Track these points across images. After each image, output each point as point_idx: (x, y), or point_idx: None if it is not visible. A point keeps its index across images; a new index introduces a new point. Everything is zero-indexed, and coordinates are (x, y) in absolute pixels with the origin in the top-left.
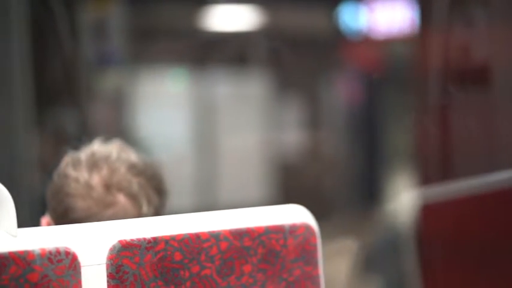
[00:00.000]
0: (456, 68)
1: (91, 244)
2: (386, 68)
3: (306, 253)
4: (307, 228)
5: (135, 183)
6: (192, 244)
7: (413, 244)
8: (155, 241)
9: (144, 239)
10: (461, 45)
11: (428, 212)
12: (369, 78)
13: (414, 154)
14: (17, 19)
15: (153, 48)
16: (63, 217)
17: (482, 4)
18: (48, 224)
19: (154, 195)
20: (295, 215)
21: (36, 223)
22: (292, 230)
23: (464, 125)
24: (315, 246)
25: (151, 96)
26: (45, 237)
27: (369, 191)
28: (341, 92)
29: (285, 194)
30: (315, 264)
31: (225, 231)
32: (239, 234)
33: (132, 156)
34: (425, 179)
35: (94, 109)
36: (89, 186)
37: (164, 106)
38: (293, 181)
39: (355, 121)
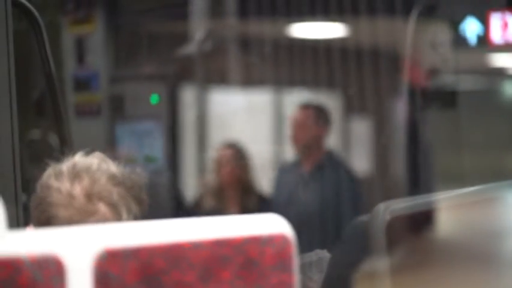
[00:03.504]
0: None
1: (77, 249)
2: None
3: (282, 262)
4: (284, 237)
5: (115, 193)
6: (174, 252)
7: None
8: (139, 248)
9: (129, 245)
10: None
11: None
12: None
13: None
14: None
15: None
16: (46, 226)
17: None
18: None
19: (133, 204)
20: (273, 224)
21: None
22: (270, 240)
23: None
24: (291, 255)
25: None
26: (33, 240)
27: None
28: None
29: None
30: (291, 272)
31: (206, 240)
32: (219, 244)
33: (112, 167)
34: None
35: (78, 124)
36: (70, 196)
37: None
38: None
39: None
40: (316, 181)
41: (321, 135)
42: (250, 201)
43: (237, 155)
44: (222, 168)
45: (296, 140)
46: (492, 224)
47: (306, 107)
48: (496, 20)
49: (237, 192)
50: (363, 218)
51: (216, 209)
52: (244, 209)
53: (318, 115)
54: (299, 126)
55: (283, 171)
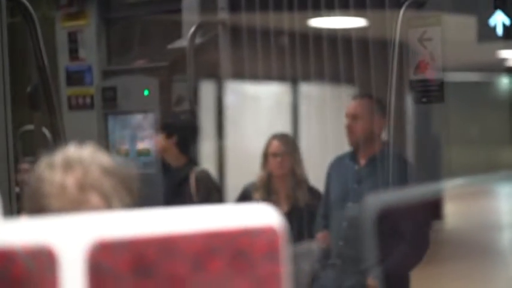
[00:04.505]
0: None
1: (70, 240)
2: None
3: (272, 252)
4: (274, 228)
5: (107, 184)
6: (167, 243)
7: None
8: (132, 238)
9: (122, 236)
10: None
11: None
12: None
13: None
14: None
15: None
16: (38, 217)
17: None
18: None
19: (125, 195)
20: (263, 214)
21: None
22: (260, 231)
23: None
24: (281, 246)
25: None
26: (26, 230)
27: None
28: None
29: None
30: (281, 263)
31: (196, 230)
32: (210, 234)
33: (105, 158)
34: None
35: (71, 116)
36: (63, 186)
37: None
38: None
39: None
40: (372, 175)
41: (378, 127)
42: (301, 194)
43: (288, 147)
44: (272, 161)
45: (351, 132)
46: (481, 214)
47: (361, 97)
48: None
49: (287, 185)
50: (353, 210)
51: (266, 202)
52: (295, 203)
53: (373, 106)
54: (354, 118)
55: (335, 164)
